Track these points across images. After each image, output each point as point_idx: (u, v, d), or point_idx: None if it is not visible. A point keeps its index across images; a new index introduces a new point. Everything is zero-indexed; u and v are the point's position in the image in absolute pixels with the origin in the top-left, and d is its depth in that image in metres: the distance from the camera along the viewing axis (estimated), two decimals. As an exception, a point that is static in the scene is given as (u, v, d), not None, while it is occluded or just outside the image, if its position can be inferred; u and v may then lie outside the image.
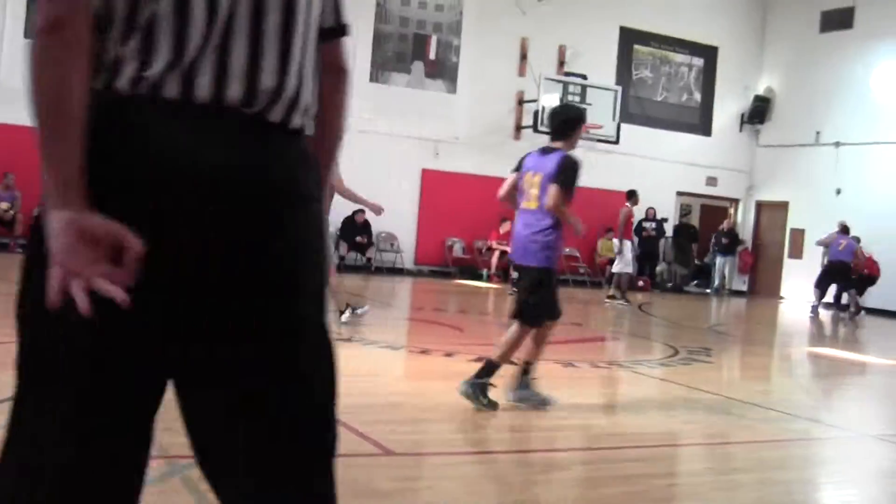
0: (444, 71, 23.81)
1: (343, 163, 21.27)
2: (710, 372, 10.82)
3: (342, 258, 21.79)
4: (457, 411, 7.03)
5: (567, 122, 7.54)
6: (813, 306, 21.40)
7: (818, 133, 25.76)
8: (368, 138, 22.34)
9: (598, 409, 8.00)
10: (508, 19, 24.24)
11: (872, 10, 24.85)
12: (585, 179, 23.62)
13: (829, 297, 21.92)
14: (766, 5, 27.85)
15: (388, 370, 9.23)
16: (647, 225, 25.43)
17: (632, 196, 19.93)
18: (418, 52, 23.55)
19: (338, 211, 21.49)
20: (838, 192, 24.53)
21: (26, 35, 18.17)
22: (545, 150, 7.48)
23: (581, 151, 24.70)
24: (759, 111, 27.63)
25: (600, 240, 24.99)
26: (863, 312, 21.69)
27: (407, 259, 23.22)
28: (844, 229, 22.12)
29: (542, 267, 7.27)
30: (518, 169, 7.65)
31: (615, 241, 20.07)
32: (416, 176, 23.36)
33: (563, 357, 10.42)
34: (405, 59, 23.42)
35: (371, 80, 22.84)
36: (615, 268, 19.90)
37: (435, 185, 23.43)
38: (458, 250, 23.68)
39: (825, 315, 21.95)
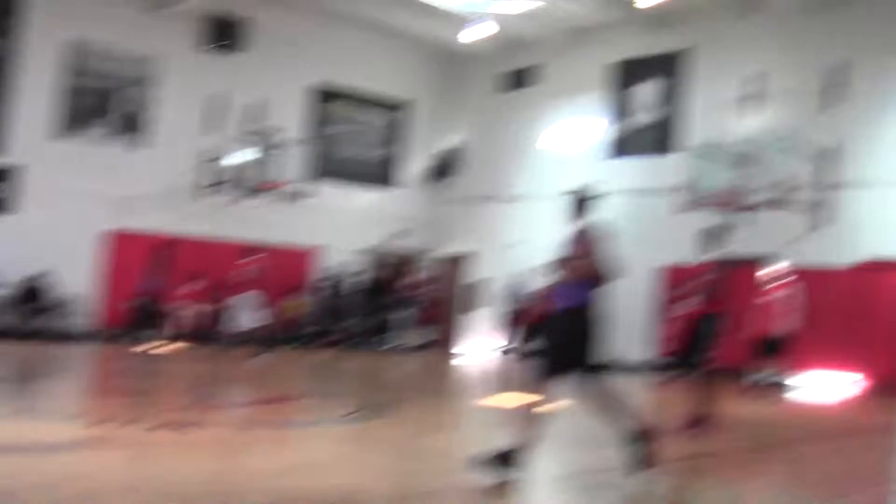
0: (133, 126, 23.27)
1: (25, 221, 20.40)
2: (393, 428, 10.96)
3: (22, 322, 20.79)
4: (138, 482, 6.83)
5: None
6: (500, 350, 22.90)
7: (499, 188, 26.83)
8: (54, 195, 21.61)
9: (281, 469, 7.93)
10: (200, 75, 24.12)
11: (551, 70, 26.29)
12: (275, 235, 23.69)
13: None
14: (451, 65, 28.77)
15: (63, 441, 8.81)
16: (335, 281, 25.63)
17: (257, 254, 19.58)
18: (108, 107, 22.91)
19: (21, 272, 20.66)
20: (516, 244, 25.50)
21: None
22: None
23: (270, 207, 24.90)
24: (443, 167, 28.50)
25: (288, 295, 24.82)
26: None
27: (90, 322, 22.35)
28: None
29: None
30: None
31: (242, 296, 19.67)
32: (99, 235, 22.59)
33: (244, 418, 10.34)
34: (95, 114, 22.73)
35: (58, 134, 22.07)
36: (247, 323, 19.34)
37: (120, 245, 22.70)
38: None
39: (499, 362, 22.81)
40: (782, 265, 17.16)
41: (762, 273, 17.10)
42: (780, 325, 16.62)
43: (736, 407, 15.15)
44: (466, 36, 24.33)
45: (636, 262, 22.84)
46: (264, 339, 19.87)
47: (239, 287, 19.59)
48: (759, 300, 16.92)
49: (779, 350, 16.59)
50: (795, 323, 16.58)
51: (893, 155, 19.98)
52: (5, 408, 10.48)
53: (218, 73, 24.34)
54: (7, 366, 15.63)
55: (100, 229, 22.58)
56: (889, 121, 20.19)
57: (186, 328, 22.65)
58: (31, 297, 20.99)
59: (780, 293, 16.78)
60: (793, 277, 16.95)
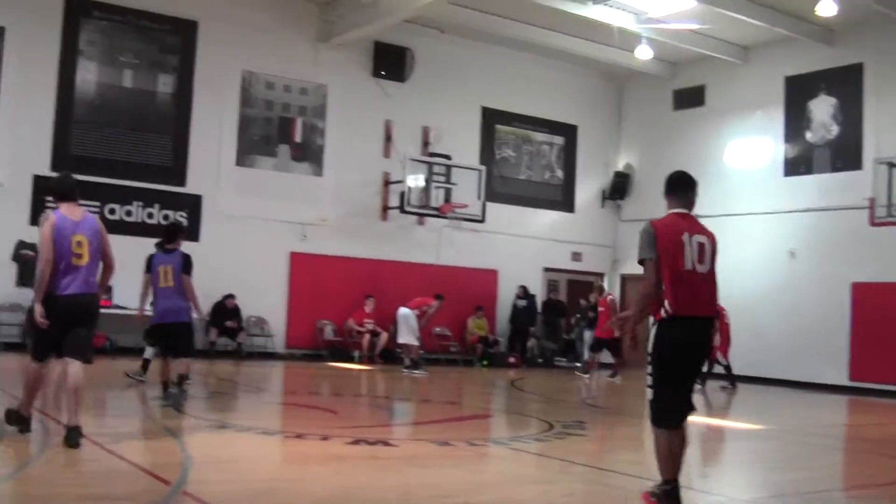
0: (310, 153, 23.85)
1: (212, 247, 21.13)
2: (586, 444, 10.95)
3: (212, 343, 21.45)
4: (336, 496, 6.99)
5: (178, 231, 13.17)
6: None
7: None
8: (236, 222, 22.30)
9: (477, 486, 7.99)
10: (372, 101, 24.52)
11: (721, 88, 25.93)
12: (453, 258, 24.26)
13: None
14: (621, 85, 28.68)
15: (263, 456, 9.10)
16: (518, 303, 25.76)
17: (439, 297, 21.67)
18: (284, 136, 23.55)
19: (208, 296, 21.26)
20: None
21: None
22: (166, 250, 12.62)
23: (448, 231, 25.37)
24: (619, 187, 28.33)
25: (470, 318, 25.17)
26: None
27: (278, 343, 22.99)
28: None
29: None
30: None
31: (405, 310, 21.15)
32: (285, 259, 23.23)
33: (438, 436, 10.42)
34: (271, 143, 23.38)
35: (237, 163, 22.77)
36: (404, 339, 21.19)
37: (303, 268, 23.33)
38: (328, 332, 23.54)
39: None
40: None
41: None
42: None
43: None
44: (635, 55, 24.12)
45: (827, 281, 22.50)
46: (417, 357, 21.04)
47: (411, 305, 21.34)
48: None
49: None
50: None
51: None
52: (207, 423, 10.88)
53: (388, 99, 24.75)
54: (204, 383, 16.18)
55: (285, 253, 23.24)
56: None
57: (367, 347, 23.15)
58: (221, 317, 21.65)
59: None
60: None
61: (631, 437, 12.68)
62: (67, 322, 8.40)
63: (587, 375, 22.26)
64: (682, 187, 7.22)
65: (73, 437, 8.08)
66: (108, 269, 8.87)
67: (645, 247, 6.87)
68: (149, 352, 14.56)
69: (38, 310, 8.36)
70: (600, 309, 22.74)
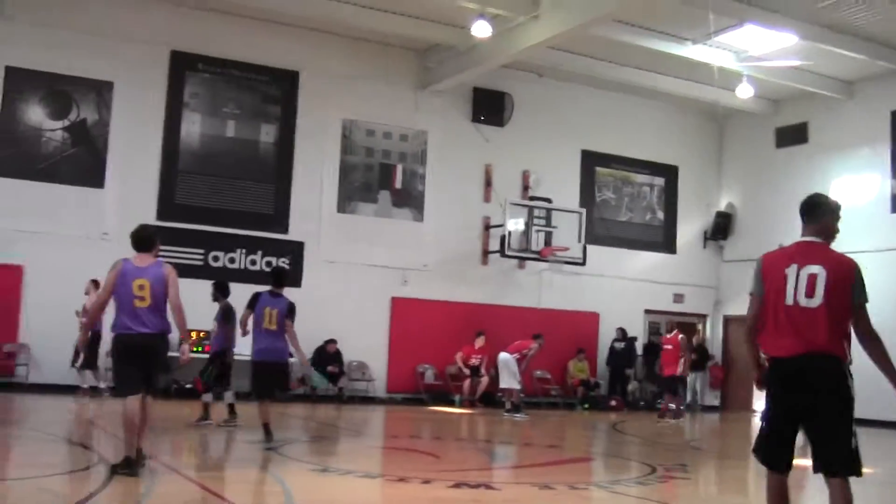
0: (410, 199, 24.05)
1: (314, 293, 21.30)
2: (688, 488, 10.78)
3: (314, 388, 21.62)
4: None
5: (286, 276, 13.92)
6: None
7: (781, 245, 25.98)
8: (338, 268, 22.57)
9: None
10: (472, 147, 24.65)
11: (825, 124, 25.46)
12: (554, 301, 24.12)
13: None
14: (722, 123, 28.39)
15: (365, 499, 9.14)
16: (617, 345, 25.53)
17: (538, 337, 21.48)
18: (384, 182, 23.79)
19: (310, 341, 21.46)
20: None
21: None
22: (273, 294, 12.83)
23: (548, 274, 25.28)
24: (721, 227, 27.97)
25: (571, 360, 25.01)
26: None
27: (379, 387, 23.10)
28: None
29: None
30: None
31: (505, 355, 20.98)
32: (386, 304, 23.40)
33: (540, 480, 10.36)
34: (372, 189, 23.64)
35: (338, 210, 23.06)
36: (505, 384, 21.12)
37: (405, 313, 23.46)
38: (429, 377, 23.59)
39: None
40: None
41: None
42: None
43: None
44: (736, 94, 23.80)
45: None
46: (518, 401, 20.99)
47: (510, 349, 21.18)
48: None
49: None
50: None
51: None
52: (309, 466, 10.96)
53: (487, 144, 24.83)
54: (305, 428, 16.33)
55: (386, 298, 23.41)
56: None
57: (468, 391, 23.12)
58: (324, 362, 21.80)
59: None
60: None
61: (735, 480, 12.47)
62: (134, 360, 9.04)
63: (681, 419, 21.87)
64: (811, 212, 6.83)
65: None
66: (174, 311, 9.37)
67: (752, 281, 6.64)
68: (228, 395, 14.83)
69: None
70: (667, 347, 22.20)
